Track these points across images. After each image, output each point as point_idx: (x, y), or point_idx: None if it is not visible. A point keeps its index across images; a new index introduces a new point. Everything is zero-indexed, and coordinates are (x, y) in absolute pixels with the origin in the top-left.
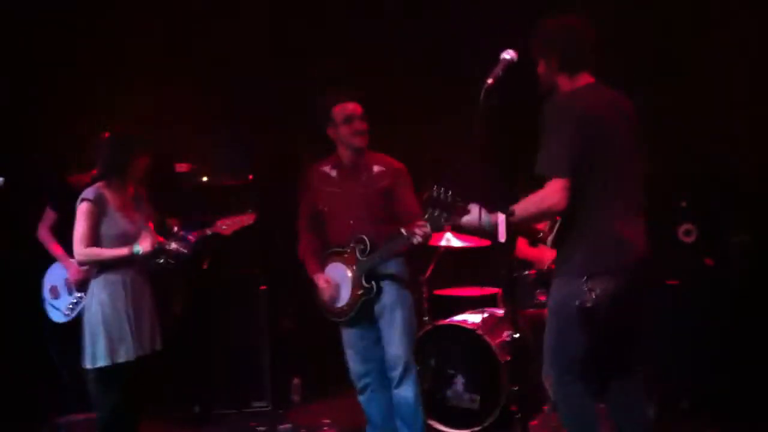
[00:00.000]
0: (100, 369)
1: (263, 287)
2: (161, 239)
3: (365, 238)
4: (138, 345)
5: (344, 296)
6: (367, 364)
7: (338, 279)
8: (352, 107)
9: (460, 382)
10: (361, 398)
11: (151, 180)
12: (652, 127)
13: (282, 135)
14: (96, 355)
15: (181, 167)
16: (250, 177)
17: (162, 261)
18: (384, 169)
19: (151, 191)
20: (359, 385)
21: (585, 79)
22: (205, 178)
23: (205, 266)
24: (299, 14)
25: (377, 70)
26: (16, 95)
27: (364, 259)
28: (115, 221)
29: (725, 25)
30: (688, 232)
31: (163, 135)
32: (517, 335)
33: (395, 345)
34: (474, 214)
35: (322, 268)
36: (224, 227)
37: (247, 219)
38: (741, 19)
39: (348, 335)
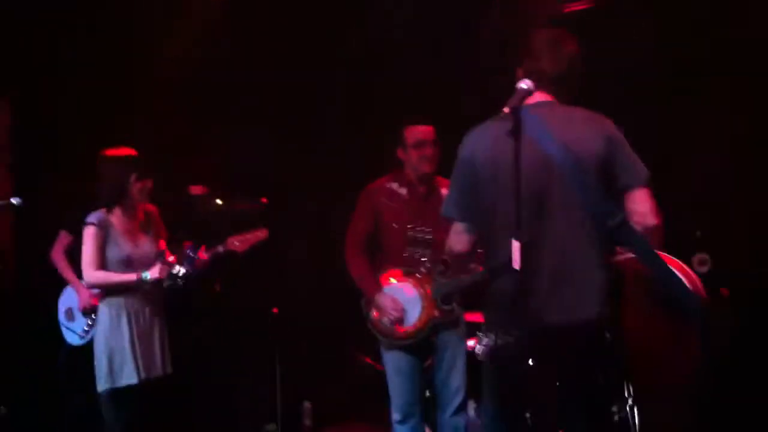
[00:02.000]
0: (106, 392)
1: (275, 310)
2: (173, 260)
3: (445, 259)
4: (141, 369)
5: (412, 318)
6: (417, 393)
7: (403, 300)
8: (423, 131)
9: (471, 406)
10: (401, 428)
11: (166, 202)
12: (667, 153)
13: (296, 158)
14: (99, 378)
15: (196, 190)
16: (264, 200)
17: (170, 283)
18: None
19: (166, 213)
20: (403, 413)
21: (537, 95)
22: (219, 201)
23: (218, 288)
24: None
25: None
26: (35, 113)
27: (444, 281)
28: (119, 245)
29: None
30: (702, 262)
31: (178, 157)
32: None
33: (461, 374)
34: None
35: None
36: (237, 244)
37: (259, 235)
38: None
39: (400, 361)
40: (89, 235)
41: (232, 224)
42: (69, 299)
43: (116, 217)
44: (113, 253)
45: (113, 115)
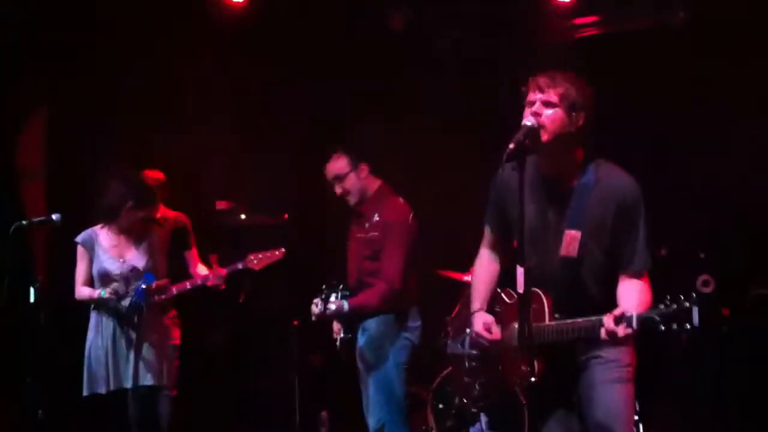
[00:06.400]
0: (88, 397)
1: (296, 323)
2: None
3: (335, 283)
4: (110, 380)
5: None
6: (367, 406)
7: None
8: (326, 173)
9: (483, 420)
10: None
11: (193, 216)
12: (674, 179)
13: (317, 176)
14: (83, 385)
15: (221, 205)
16: (285, 216)
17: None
18: (379, 219)
19: (193, 226)
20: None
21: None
22: (243, 216)
23: (241, 300)
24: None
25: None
26: (71, 135)
27: (333, 304)
28: (100, 262)
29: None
30: (706, 283)
31: (206, 173)
32: (534, 379)
33: (370, 410)
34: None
35: None
36: (255, 261)
37: (277, 255)
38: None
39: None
40: (77, 253)
41: (255, 238)
42: None
43: (105, 234)
44: (94, 269)
45: (144, 132)
